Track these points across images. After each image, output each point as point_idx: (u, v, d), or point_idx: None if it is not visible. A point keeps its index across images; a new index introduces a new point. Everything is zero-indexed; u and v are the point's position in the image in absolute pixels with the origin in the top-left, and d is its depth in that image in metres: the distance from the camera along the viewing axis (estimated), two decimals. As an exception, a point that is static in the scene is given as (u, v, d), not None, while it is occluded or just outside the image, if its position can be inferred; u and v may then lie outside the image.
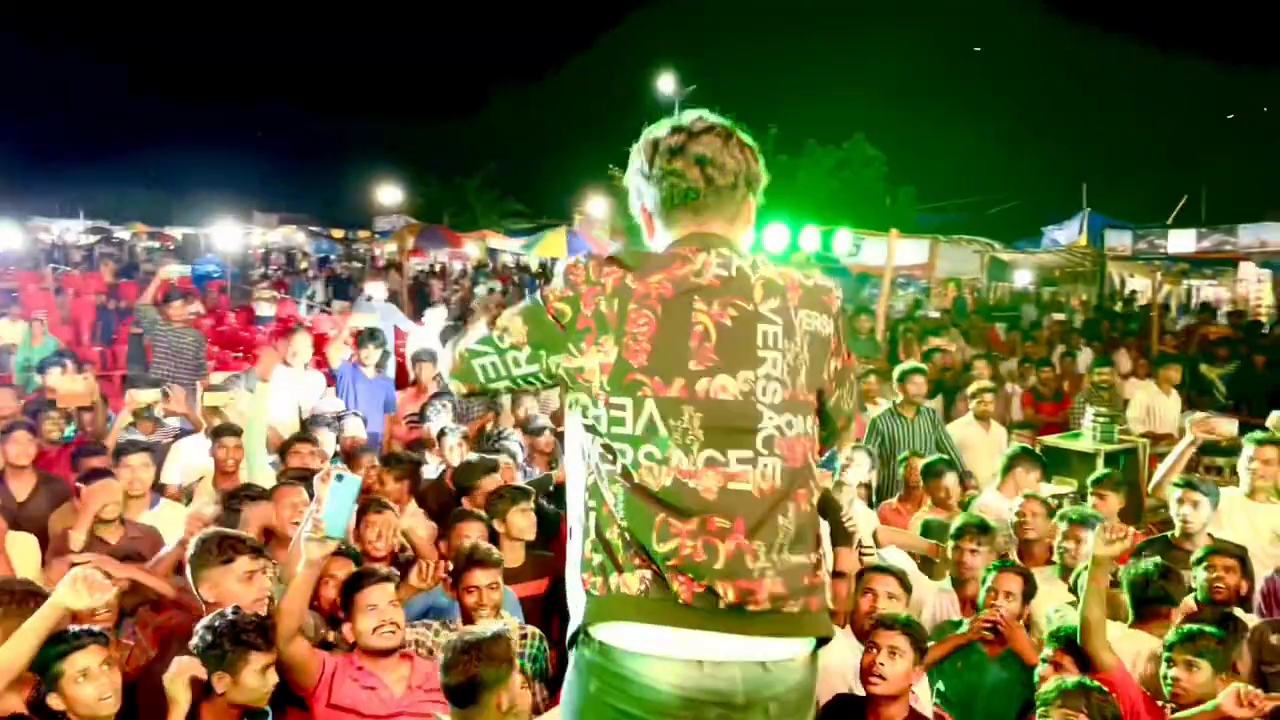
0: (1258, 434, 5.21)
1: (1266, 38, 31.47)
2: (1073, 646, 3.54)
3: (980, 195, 28.57)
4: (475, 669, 3.03)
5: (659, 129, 2.17)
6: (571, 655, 2.04)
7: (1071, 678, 3.22)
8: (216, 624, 3.11)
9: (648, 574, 1.92)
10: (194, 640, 3.11)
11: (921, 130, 32.27)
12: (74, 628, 3.06)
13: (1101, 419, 7.15)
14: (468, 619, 3.90)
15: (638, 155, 2.17)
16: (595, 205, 30.47)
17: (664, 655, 1.91)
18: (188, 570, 3.58)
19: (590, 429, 2.00)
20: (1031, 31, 35.94)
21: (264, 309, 16.76)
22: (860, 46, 33.48)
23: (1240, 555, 4.36)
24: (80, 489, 4.65)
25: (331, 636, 3.76)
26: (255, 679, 3.08)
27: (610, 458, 1.97)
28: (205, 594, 3.50)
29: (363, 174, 36.70)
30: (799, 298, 2.08)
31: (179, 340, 8.00)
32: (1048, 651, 3.62)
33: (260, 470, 5.37)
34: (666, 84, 29.17)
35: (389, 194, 36.27)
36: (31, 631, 2.91)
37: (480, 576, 3.93)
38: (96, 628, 3.16)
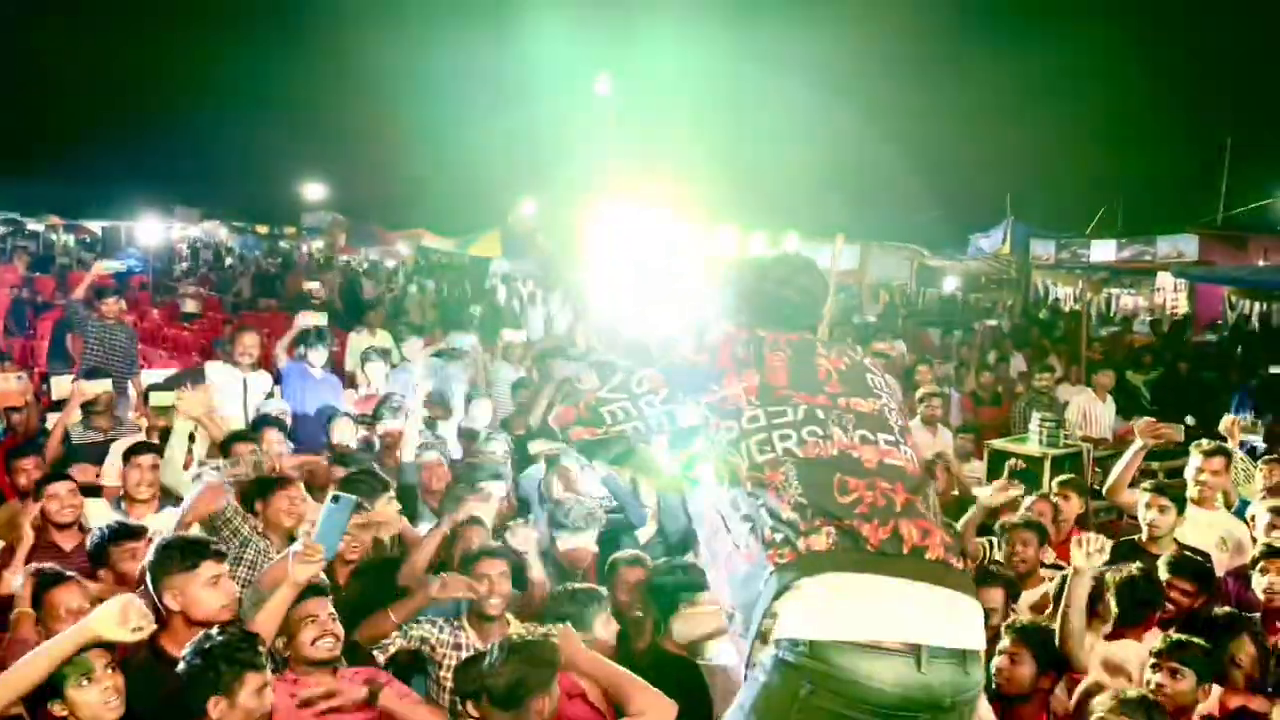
0: (1205, 443, 5.35)
1: (1183, 53, 32.66)
2: (1032, 640, 3.62)
3: (907, 203, 29.11)
4: (522, 671, 2.96)
5: (762, 259, 2.71)
6: (763, 659, 2.09)
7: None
8: (206, 645, 2.91)
9: (832, 529, 2.08)
10: (181, 665, 2.92)
11: (852, 136, 32.74)
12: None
13: (1048, 423, 7.31)
14: (478, 612, 3.85)
15: (738, 273, 2.66)
16: (528, 205, 30.34)
17: (882, 648, 1.98)
18: (148, 578, 3.44)
19: (744, 433, 2.24)
20: (959, 44, 36.76)
21: (189, 306, 16.37)
22: (794, 52, 33.84)
23: (1205, 571, 4.46)
24: (10, 486, 4.47)
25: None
26: (253, 700, 2.88)
27: (770, 447, 2.21)
28: (170, 601, 3.35)
29: (288, 169, 35.96)
30: (880, 368, 2.54)
31: (111, 337, 7.73)
32: (1005, 643, 3.67)
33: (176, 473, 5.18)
34: (602, 86, 29.15)
35: (315, 190, 35.61)
36: (54, 653, 2.73)
37: (490, 565, 3.89)
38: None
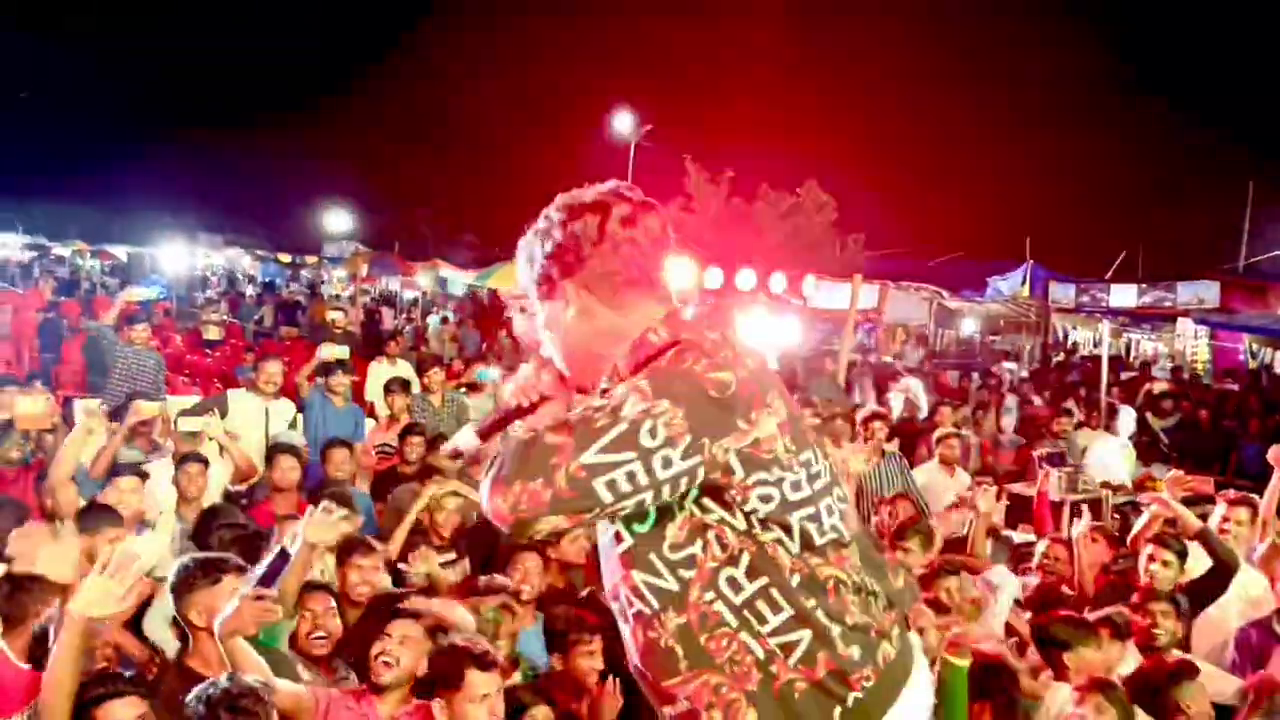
0: (1231, 493, 5.33)
1: (1206, 99, 32.77)
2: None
3: (926, 244, 29.14)
4: None
5: (597, 193, 1.89)
6: None
7: None
8: (210, 693, 2.93)
9: (895, 629, 1.76)
10: (187, 710, 2.94)
11: (871, 179, 32.90)
12: (114, 671, 2.95)
13: (1067, 469, 7.29)
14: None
15: (579, 220, 1.85)
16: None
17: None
18: (169, 596, 3.48)
19: (788, 506, 1.70)
20: (980, 87, 37.00)
21: (211, 333, 16.52)
22: (814, 96, 34.13)
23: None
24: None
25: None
26: None
27: (822, 527, 1.73)
28: (194, 618, 3.41)
29: (311, 199, 36.35)
30: None
31: (140, 362, 7.83)
32: None
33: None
34: (623, 123, 29.43)
35: (338, 220, 35.93)
36: (66, 658, 2.78)
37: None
38: (132, 675, 3.05)
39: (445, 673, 3.27)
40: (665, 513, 1.70)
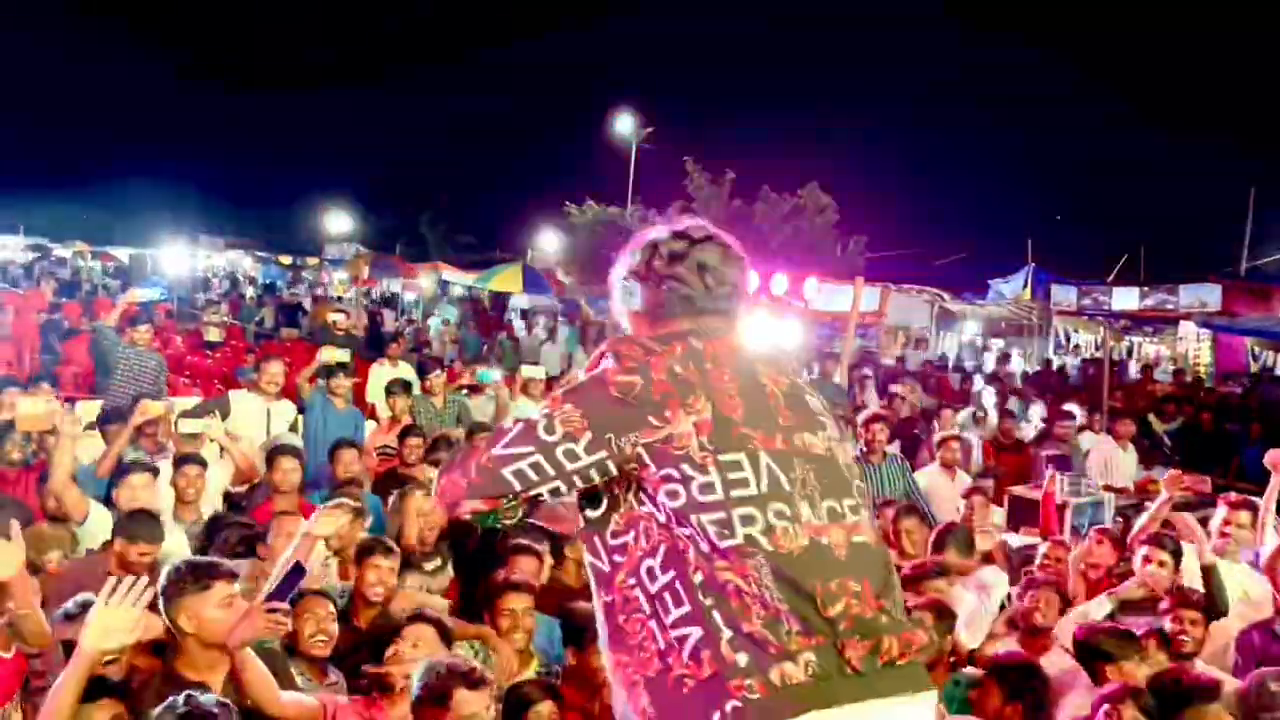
0: (1233, 495, 5.32)
1: (1208, 102, 32.78)
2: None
3: (927, 246, 29.15)
4: None
5: (658, 233, 2.12)
6: None
7: None
8: (179, 711, 2.84)
9: (812, 655, 1.72)
10: None
11: (873, 180, 32.91)
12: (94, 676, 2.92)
13: (1069, 472, 7.27)
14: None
15: (630, 256, 2.12)
16: (548, 240, 30.55)
17: None
18: (160, 602, 3.45)
19: (695, 506, 1.78)
20: (981, 90, 37.01)
21: (212, 334, 16.51)
22: (817, 98, 34.16)
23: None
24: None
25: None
26: None
27: (729, 533, 1.76)
28: (184, 624, 3.37)
29: (312, 200, 36.37)
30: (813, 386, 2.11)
31: (142, 364, 7.83)
32: None
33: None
34: (625, 125, 29.46)
35: (339, 221, 35.93)
36: (68, 689, 2.75)
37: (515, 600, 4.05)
38: (110, 680, 3.04)
39: (433, 692, 3.20)
40: (613, 503, 1.89)
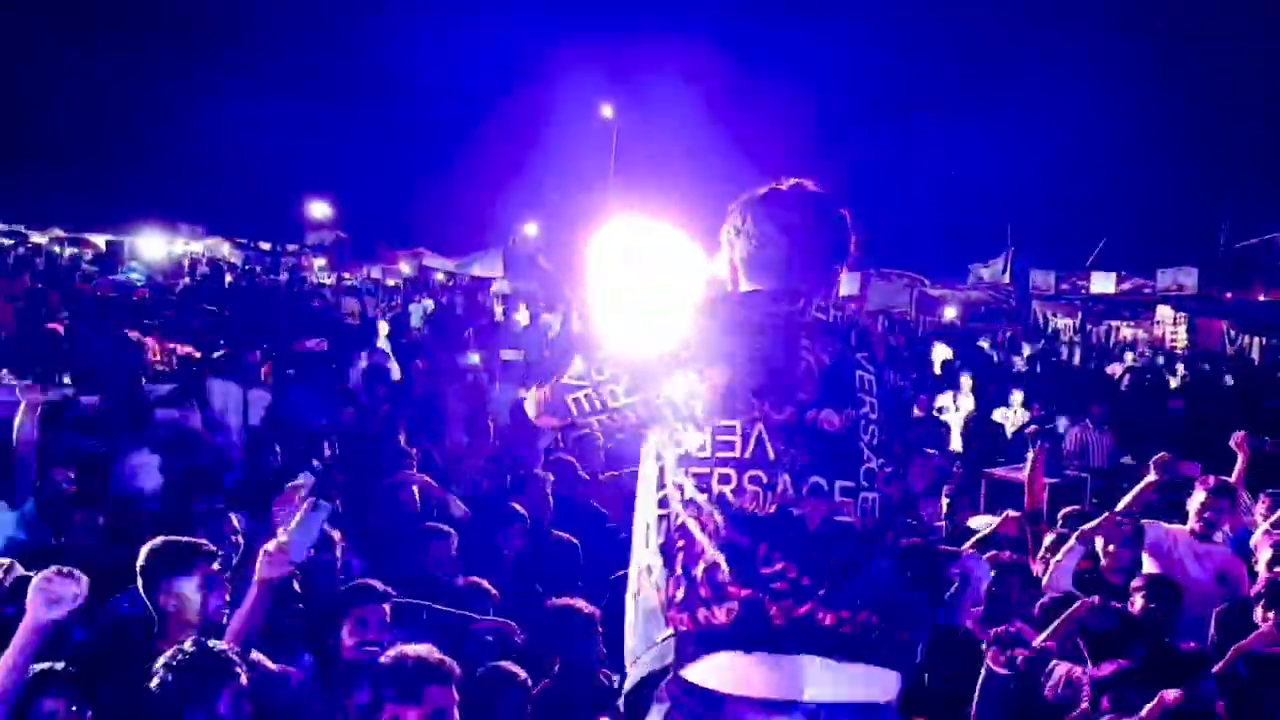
0: (1210, 480, 5.38)
1: (1187, 87, 32.89)
2: None
3: (908, 231, 29.21)
4: None
5: (758, 191, 2.29)
6: (663, 703, 1.99)
7: None
8: (176, 660, 2.92)
9: (737, 605, 1.93)
10: (155, 682, 2.92)
11: (854, 163, 32.93)
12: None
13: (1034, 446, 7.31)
14: None
15: (733, 213, 2.30)
16: (530, 226, 30.44)
17: (759, 698, 1.90)
18: (140, 581, 3.44)
19: (687, 457, 2.02)
20: (960, 75, 37.06)
21: (192, 321, 16.37)
22: (796, 77, 34.12)
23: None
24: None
25: None
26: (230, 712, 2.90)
27: (705, 487, 1.99)
28: (164, 604, 3.37)
29: (292, 187, 36.11)
30: (887, 356, 2.22)
31: (119, 350, 7.77)
32: None
33: None
34: (606, 109, 29.36)
35: (318, 208, 35.64)
36: (16, 663, 2.79)
37: None
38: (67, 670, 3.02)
39: (400, 684, 3.16)
40: (649, 442, 2.13)
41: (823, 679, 1.92)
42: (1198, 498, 5.29)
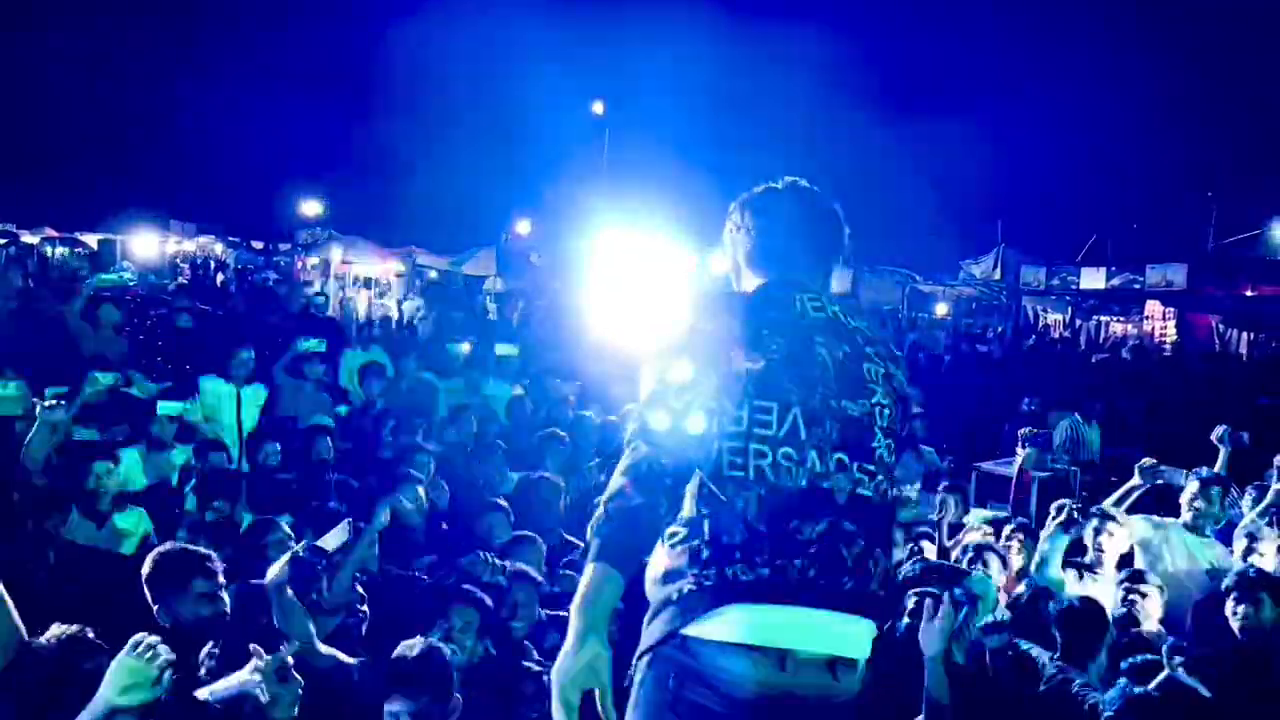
0: (1204, 471, 5.44)
1: (1175, 84, 33.00)
2: None
3: (900, 227, 29.26)
4: None
5: (756, 190, 2.47)
6: (650, 659, 2.14)
7: None
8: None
9: (765, 570, 2.08)
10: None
11: (846, 160, 32.98)
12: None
13: (1035, 447, 7.39)
14: None
15: (733, 212, 2.47)
16: (522, 224, 30.44)
17: (754, 646, 2.05)
18: (146, 591, 3.47)
19: (724, 434, 2.13)
20: (952, 72, 37.13)
21: (182, 320, 16.35)
22: (788, 76, 34.12)
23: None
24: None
25: None
26: None
27: (741, 463, 2.13)
28: (159, 618, 3.40)
29: (284, 185, 36.03)
30: (885, 353, 2.40)
31: (107, 350, 7.77)
32: None
33: None
34: (598, 107, 29.36)
35: (311, 206, 35.57)
36: None
37: None
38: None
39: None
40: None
41: (795, 627, 2.08)
42: (1189, 490, 5.36)
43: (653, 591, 2.18)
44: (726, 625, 2.05)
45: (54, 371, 9.45)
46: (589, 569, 1.98)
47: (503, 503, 5.54)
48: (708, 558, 2.08)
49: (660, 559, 2.17)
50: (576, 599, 1.95)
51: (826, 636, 2.11)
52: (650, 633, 2.13)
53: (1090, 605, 4.18)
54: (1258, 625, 4.24)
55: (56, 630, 2.96)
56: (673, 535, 2.14)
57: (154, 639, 2.71)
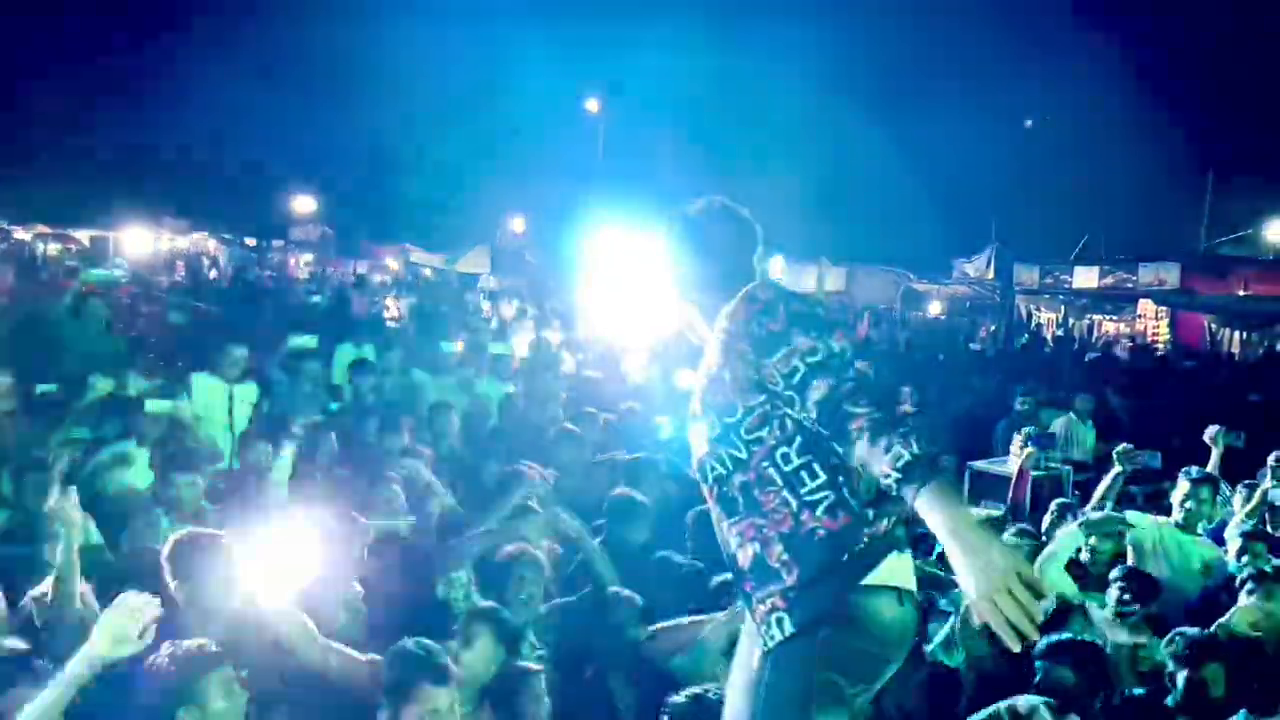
0: (1193, 470, 5.45)
1: (1168, 84, 33.08)
2: None
3: (893, 226, 29.32)
4: None
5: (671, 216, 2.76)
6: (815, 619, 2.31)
7: None
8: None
9: (886, 521, 2.34)
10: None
11: (840, 161, 33.01)
12: None
13: (1037, 447, 7.40)
14: None
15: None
16: (517, 222, 30.43)
17: (897, 587, 2.33)
18: (166, 573, 3.46)
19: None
20: (945, 71, 37.15)
21: (174, 316, 16.28)
22: (782, 76, 34.12)
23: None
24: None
25: None
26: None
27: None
28: (178, 597, 3.40)
29: (277, 183, 35.96)
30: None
31: (96, 348, 7.73)
32: None
33: None
34: (592, 104, 29.36)
35: (304, 203, 35.51)
36: (66, 691, 2.68)
37: None
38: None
39: (395, 680, 3.14)
40: (747, 408, 2.38)
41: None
42: (1180, 489, 5.37)
43: (801, 553, 2.30)
44: (889, 573, 2.31)
45: (42, 368, 9.46)
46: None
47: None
48: (866, 515, 2.30)
49: (789, 523, 2.32)
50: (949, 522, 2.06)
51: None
52: (820, 595, 2.28)
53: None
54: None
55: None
56: (811, 502, 2.31)
57: (144, 595, 2.80)
